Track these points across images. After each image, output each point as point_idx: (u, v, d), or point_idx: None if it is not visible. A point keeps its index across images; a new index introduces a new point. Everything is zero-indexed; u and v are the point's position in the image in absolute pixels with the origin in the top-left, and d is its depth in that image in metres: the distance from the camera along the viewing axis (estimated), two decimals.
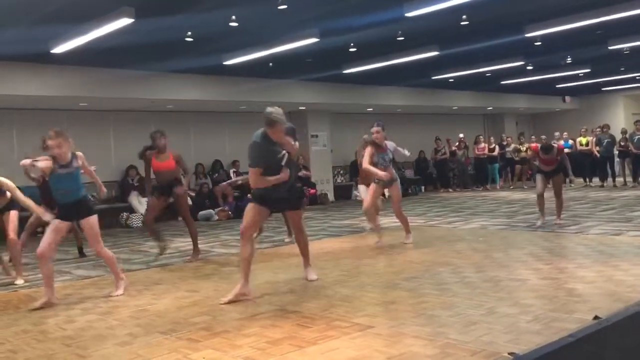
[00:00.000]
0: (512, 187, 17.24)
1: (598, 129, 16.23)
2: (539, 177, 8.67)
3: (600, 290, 4.53)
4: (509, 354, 3.18)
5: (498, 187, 17.44)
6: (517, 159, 17.09)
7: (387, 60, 11.52)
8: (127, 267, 7.05)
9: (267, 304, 4.71)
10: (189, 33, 8.64)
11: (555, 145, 9.13)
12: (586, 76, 16.22)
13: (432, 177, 18.37)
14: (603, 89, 19.95)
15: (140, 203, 12.57)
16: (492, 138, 18.41)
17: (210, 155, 14.30)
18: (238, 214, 13.10)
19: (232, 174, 14.07)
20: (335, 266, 6.16)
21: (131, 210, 12.55)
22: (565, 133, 17.16)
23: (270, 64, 11.27)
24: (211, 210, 12.67)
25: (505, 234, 8.10)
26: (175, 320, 4.39)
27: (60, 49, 8.68)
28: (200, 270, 6.58)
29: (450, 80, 15.14)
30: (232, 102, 13.52)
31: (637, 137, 15.03)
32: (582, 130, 16.67)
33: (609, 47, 11.69)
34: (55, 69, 10.40)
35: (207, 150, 14.23)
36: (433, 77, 14.38)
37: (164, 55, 10.16)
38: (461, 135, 18.12)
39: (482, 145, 17.71)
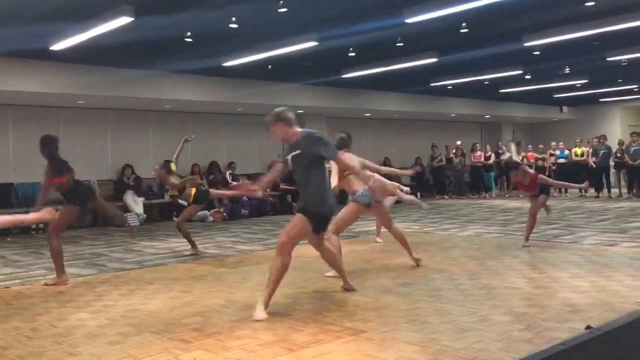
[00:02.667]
0: (507, 195, 17.28)
1: (595, 140, 16.29)
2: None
3: (593, 300, 4.54)
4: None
5: (494, 195, 17.48)
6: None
7: (386, 65, 11.54)
8: (120, 267, 7.04)
9: None
10: (189, 33, 8.64)
11: (530, 171, 7.71)
12: (584, 87, 16.30)
13: (428, 183, 18.40)
14: (600, 100, 20.03)
15: (135, 202, 12.54)
16: (488, 146, 18.44)
17: (207, 156, 14.25)
18: (233, 215, 13.12)
19: (227, 176, 14.05)
20: (328, 270, 6.12)
21: (126, 209, 12.50)
22: (561, 143, 17.23)
23: (269, 66, 11.28)
24: (206, 212, 12.65)
25: (499, 242, 8.10)
26: (167, 320, 4.37)
27: (59, 46, 8.68)
28: (194, 271, 6.56)
29: (449, 87, 15.17)
30: (230, 104, 13.50)
31: (633, 148, 15.09)
32: (578, 140, 16.75)
33: (607, 59, 11.75)
34: (54, 66, 10.37)
35: (203, 151, 14.17)
36: (431, 84, 14.41)
37: (163, 55, 10.16)
38: (458, 143, 18.16)
39: (479, 153, 17.79)
